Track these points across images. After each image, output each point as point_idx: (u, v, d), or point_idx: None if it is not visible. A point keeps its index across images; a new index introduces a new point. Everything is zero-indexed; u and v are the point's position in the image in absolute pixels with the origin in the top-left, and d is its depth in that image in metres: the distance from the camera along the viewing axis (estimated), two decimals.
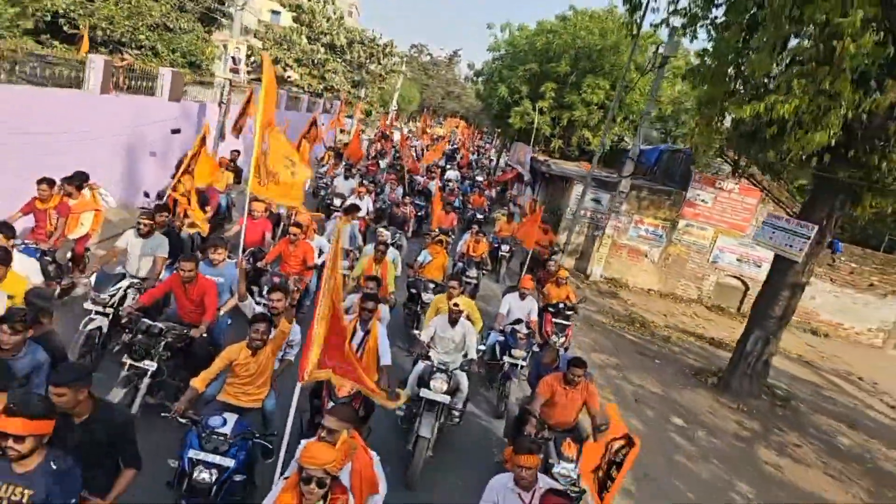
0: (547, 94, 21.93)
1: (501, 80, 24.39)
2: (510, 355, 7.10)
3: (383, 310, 6.69)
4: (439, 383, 5.56)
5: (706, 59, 9.67)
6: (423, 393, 5.54)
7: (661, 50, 14.58)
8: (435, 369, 5.70)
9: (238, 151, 12.12)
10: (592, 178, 15.95)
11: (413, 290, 8.69)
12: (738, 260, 15.90)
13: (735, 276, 16.16)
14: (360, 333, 5.39)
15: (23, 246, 5.94)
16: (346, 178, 13.76)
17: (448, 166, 24.86)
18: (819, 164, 8.89)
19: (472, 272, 10.37)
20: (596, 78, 20.94)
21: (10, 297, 4.68)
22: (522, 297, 8.00)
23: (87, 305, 5.83)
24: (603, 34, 21.53)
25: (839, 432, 9.48)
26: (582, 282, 15.29)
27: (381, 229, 9.50)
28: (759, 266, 15.44)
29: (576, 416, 5.42)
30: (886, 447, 9.32)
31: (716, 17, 9.86)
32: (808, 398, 10.78)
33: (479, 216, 15.41)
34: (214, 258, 5.94)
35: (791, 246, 9.35)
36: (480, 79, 31.60)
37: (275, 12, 37.15)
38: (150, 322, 5.17)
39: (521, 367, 7.12)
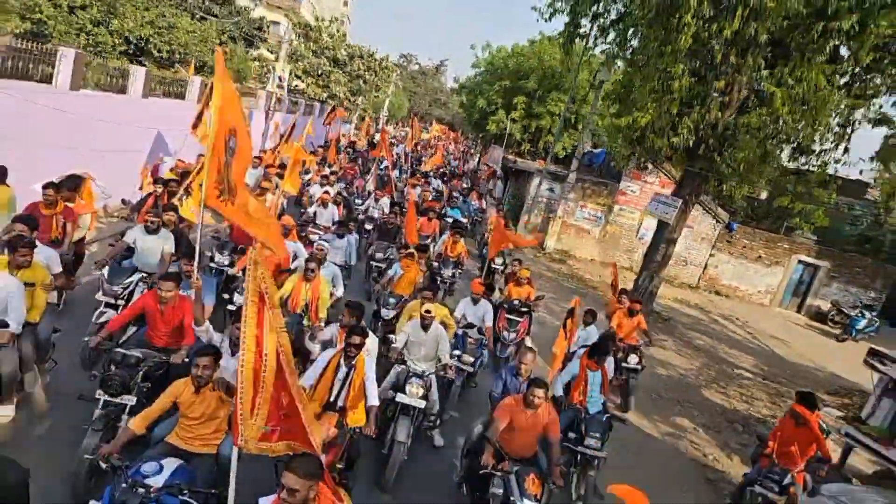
0: (518, 106, 26.70)
1: (481, 93, 29.17)
2: (459, 359, 6.97)
3: (371, 342, 5.74)
4: (415, 388, 5.51)
5: (619, 86, 14.35)
6: (399, 398, 5.49)
7: (598, 75, 19.26)
8: (410, 374, 5.65)
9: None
10: (548, 172, 20.63)
11: (375, 308, 8.07)
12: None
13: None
14: (343, 370, 4.82)
15: (55, 256, 5.76)
16: (322, 185, 13.03)
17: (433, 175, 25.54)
18: (684, 158, 13.58)
19: (448, 272, 10.55)
20: (559, 93, 25.70)
21: (29, 286, 4.82)
22: (475, 301, 7.88)
23: (99, 297, 5.92)
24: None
25: (697, 338, 14.16)
26: (539, 253, 19.86)
27: (320, 243, 7.78)
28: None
29: (536, 445, 4.99)
30: (728, 347, 13.99)
31: (628, 54, 14.46)
32: (685, 321, 15.46)
33: (462, 219, 15.61)
34: (189, 270, 5.45)
35: (667, 213, 13.99)
36: (464, 91, 36.41)
37: (275, 23, 41.50)
38: (126, 351, 4.61)
39: (470, 372, 7.12)
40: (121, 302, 5.95)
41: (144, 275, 6.23)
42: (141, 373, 4.49)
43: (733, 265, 20.84)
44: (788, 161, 13.05)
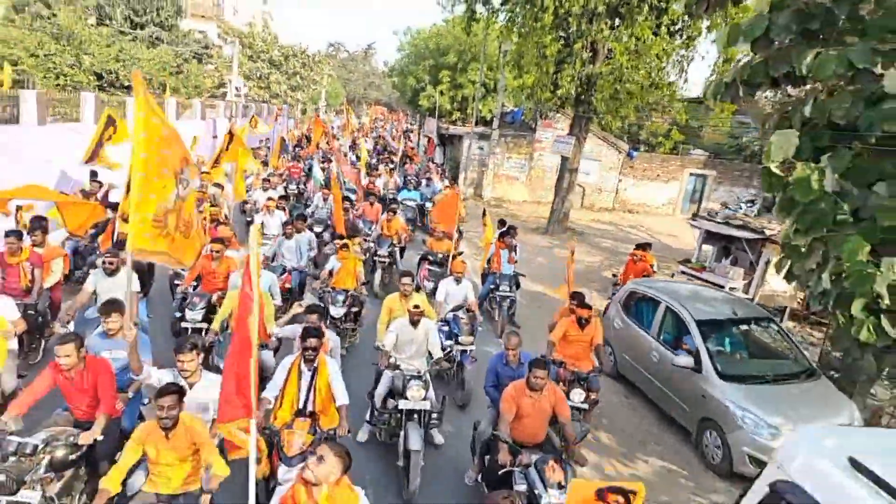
0: (444, 80, 30.24)
1: (409, 74, 32.56)
2: (458, 342, 6.92)
3: (332, 341, 5.80)
4: (416, 391, 5.34)
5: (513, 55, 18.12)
6: (403, 404, 5.30)
7: (503, 47, 22.97)
8: (409, 377, 5.45)
9: (96, 173, 10.08)
10: (475, 133, 24.43)
11: (322, 305, 7.35)
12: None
13: (578, 184, 24.99)
14: (306, 374, 4.72)
15: (11, 303, 5.54)
16: (265, 189, 12.64)
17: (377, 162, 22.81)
18: (571, 105, 17.54)
19: (384, 250, 10.50)
20: (477, 64, 29.31)
21: None
22: (458, 281, 7.85)
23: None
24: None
25: (603, 242, 18.33)
26: (478, 201, 23.71)
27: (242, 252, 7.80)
28: (588, 174, 24.36)
29: (546, 428, 4.91)
30: (627, 245, 18.23)
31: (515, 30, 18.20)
32: (596, 234, 19.63)
33: (390, 196, 15.66)
34: (109, 328, 4.77)
35: (565, 150, 17.97)
36: (394, 73, 39.68)
37: (200, 31, 43.54)
38: (20, 439, 3.87)
39: (471, 352, 6.98)
40: None
41: None
42: (45, 461, 3.83)
43: (637, 186, 25.22)
44: (646, 96, 17.13)
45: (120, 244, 6.53)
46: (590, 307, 6.63)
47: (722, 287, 10.29)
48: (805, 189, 6.18)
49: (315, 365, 4.74)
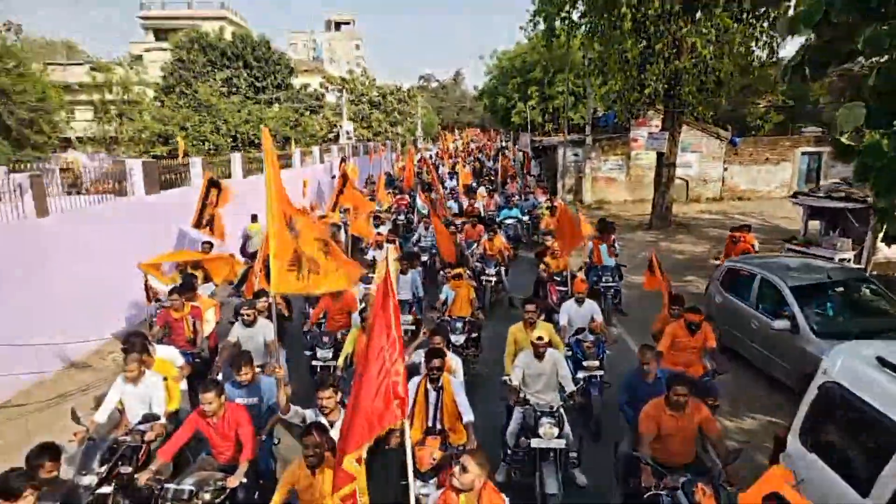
0: (532, 95, 31.32)
1: (499, 94, 33.99)
2: (584, 368, 6.56)
3: (454, 361, 5.85)
4: (548, 428, 5.02)
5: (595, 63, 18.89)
6: (535, 442, 5.00)
7: (588, 55, 23.69)
8: (539, 413, 5.16)
9: (210, 244, 10.14)
10: (569, 141, 25.18)
11: (445, 327, 7.47)
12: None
13: (680, 178, 24.84)
14: (432, 394, 4.89)
15: (175, 351, 6.27)
16: (376, 226, 12.89)
17: (476, 184, 23.13)
18: (661, 102, 17.92)
19: (491, 270, 10.59)
20: (563, 74, 30.14)
21: (164, 379, 5.52)
22: (580, 302, 7.41)
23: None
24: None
25: (712, 231, 18.30)
26: (579, 205, 24.34)
27: (367, 287, 8.06)
28: (690, 167, 24.17)
29: (694, 448, 4.61)
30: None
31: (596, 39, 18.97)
32: (704, 225, 19.57)
33: (489, 216, 15.94)
34: (241, 379, 5.21)
35: (659, 145, 18.30)
36: (484, 95, 41.40)
37: (306, 85, 48.11)
38: (177, 486, 4.27)
39: (600, 377, 6.62)
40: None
41: (258, 369, 5.86)
42: None
43: (746, 172, 24.54)
44: (736, 82, 17.09)
45: (257, 295, 7.27)
46: (700, 311, 6.30)
47: (831, 259, 10.39)
48: (877, 153, 6.66)
49: (440, 384, 4.91)
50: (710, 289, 9.23)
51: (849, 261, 10.59)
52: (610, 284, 10.27)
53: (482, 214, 15.54)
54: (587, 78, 24.09)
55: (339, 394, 4.61)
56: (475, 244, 12.26)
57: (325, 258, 5.48)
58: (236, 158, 15.53)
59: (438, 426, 4.87)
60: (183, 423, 4.73)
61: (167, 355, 6.04)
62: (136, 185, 11.04)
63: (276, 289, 5.06)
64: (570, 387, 5.46)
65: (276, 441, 5.45)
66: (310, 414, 4.68)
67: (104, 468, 4.57)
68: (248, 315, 6.52)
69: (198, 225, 11.25)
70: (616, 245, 11.23)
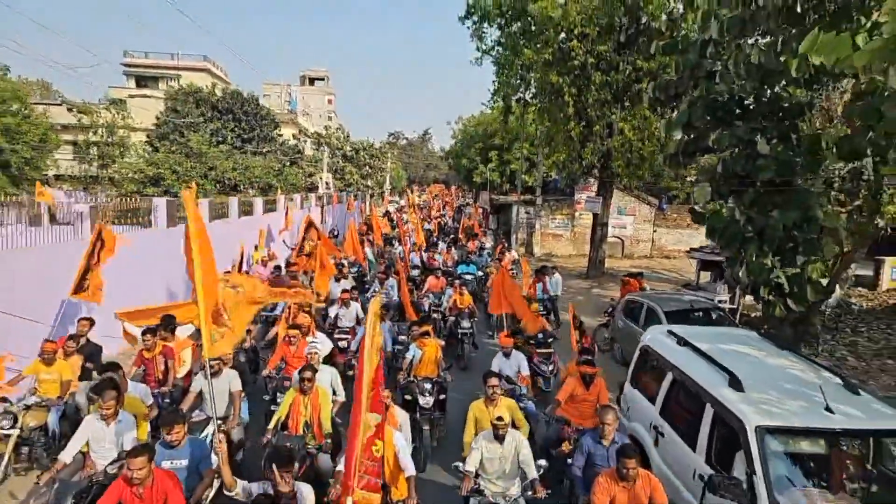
0: (492, 158, 34.96)
1: (463, 156, 37.62)
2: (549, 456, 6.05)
3: (399, 415, 5.72)
4: None
5: (544, 137, 22.37)
6: None
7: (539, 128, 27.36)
8: None
9: (89, 320, 8.25)
10: (522, 201, 28.56)
11: (408, 397, 7.29)
12: (612, 228, 28.22)
13: (615, 237, 28.37)
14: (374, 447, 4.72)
15: (146, 389, 6.35)
16: (338, 279, 12.42)
17: (440, 241, 23.19)
18: (597, 172, 21.39)
19: (465, 323, 10.50)
20: (519, 143, 33.92)
21: (135, 416, 5.50)
22: (507, 355, 7.61)
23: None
24: None
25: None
26: (529, 257, 27.41)
27: (312, 345, 7.42)
28: (625, 228, 27.75)
29: None
30: (655, 284, 21.31)
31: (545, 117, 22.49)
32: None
33: (447, 269, 16.20)
34: (172, 439, 4.73)
35: (595, 207, 21.65)
36: (450, 156, 45.17)
37: (279, 135, 51.10)
38: None
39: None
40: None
41: (220, 422, 5.73)
42: None
43: (670, 234, 28.28)
44: (655, 160, 20.73)
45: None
46: (594, 365, 6.57)
47: (711, 300, 13.45)
48: (718, 219, 9.78)
49: (383, 439, 4.75)
50: (616, 317, 12.09)
51: (725, 301, 13.67)
52: (541, 312, 13.04)
53: (441, 267, 16.11)
54: (539, 147, 27.74)
55: (292, 469, 4.27)
56: (441, 296, 12.57)
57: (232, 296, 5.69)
58: (233, 203, 17.84)
59: (380, 481, 4.72)
60: (106, 491, 4.20)
61: (137, 393, 6.07)
62: (160, 219, 13.35)
63: (211, 355, 5.03)
64: (531, 472, 4.98)
65: None
66: (255, 488, 4.43)
67: None
68: (212, 366, 5.99)
69: (77, 290, 9.22)
70: (547, 282, 14.05)
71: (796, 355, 6.00)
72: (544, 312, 13.01)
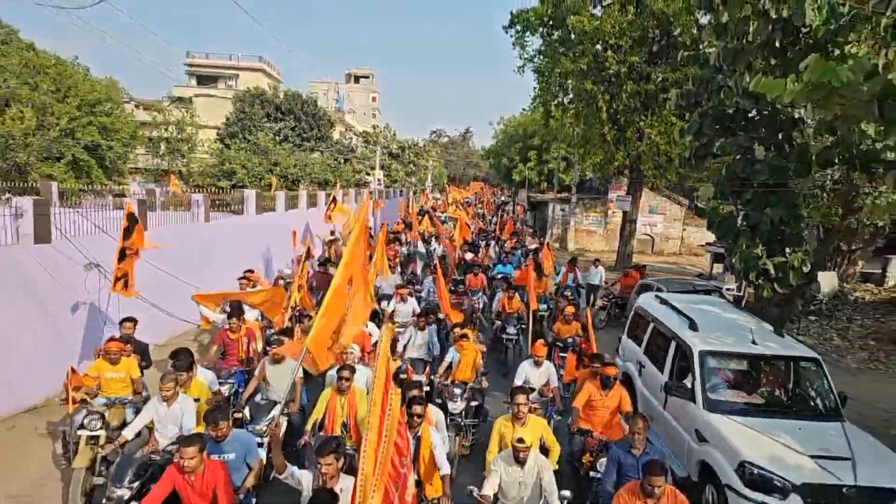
0: (531, 158, 36.91)
1: (502, 155, 39.69)
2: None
3: (435, 414, 5.59)
4: None
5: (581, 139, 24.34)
6: None
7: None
8: None
9: (132, 320, 7.60)
10: (558, 199, 30.50)
11: (438, 401, 6.94)
12: (644, 226, 29.88)
13: (646, 235, 30.00)
14: (411, 442, 4.53)
15: (213, 376, 6.58)
16: (403, 300, 11.74)
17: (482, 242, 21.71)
18: (628, 172, 23.23)
19: (511, 329, 10.11)
20: (557, 143, 35.79)
21: (196, 400, 5.68)
22: (538, 364, 7.19)
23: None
24: None
25: (660, 275, 23.27)
26: (563, 252, 29.33)
27: (351, 346, 6.72)
28: (656, 226, 29.37)
29: None
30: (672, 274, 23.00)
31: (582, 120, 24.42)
32: (655, 270, 24.54)
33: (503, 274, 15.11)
34: (217, 434, 4.81)
35: (625, 205, 23.48)
36: (490, 155, 47.31)
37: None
38: None
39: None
40: (266, 440, 5.82)
41: (282, 405, 5.72)
42: None
43: (701, 233, 29.69)
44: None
45: (284, 332, 7.35)
46: (614, 365, 6.36)
47: (720, 287, 15.25)
48: (716, 214, 11.68)
49: (419, 433, 4.75)
50: (632, 296, 14.10)
51: (732, 289, 15.44)
52: (570, 297, 15.00)
53: (480, 264, 15.67)
54: (575, 148, 29.63)
55: (342, 459, 4.26)
56: (477, 293, 12.37)
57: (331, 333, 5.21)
58: (279, 196, 18.55)
59: (414, 477, 4.51)
60: (160, 479, 4.44)
61: (204, 378, 6.28)
62: (250, 208, 16.03)
63: (310, 344, 4.90)
64: (553, 500, 4.68)
65: (253, 500, 5.15)
66: (306, 476, 4.45)
67: (136, 484, 4.92)
68: (276, 353, 6.49)
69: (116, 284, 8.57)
70: (580, 275, 16.04)
71: (748, 314, 8.04)
72: (573, 298, 13.49)
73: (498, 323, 11.01)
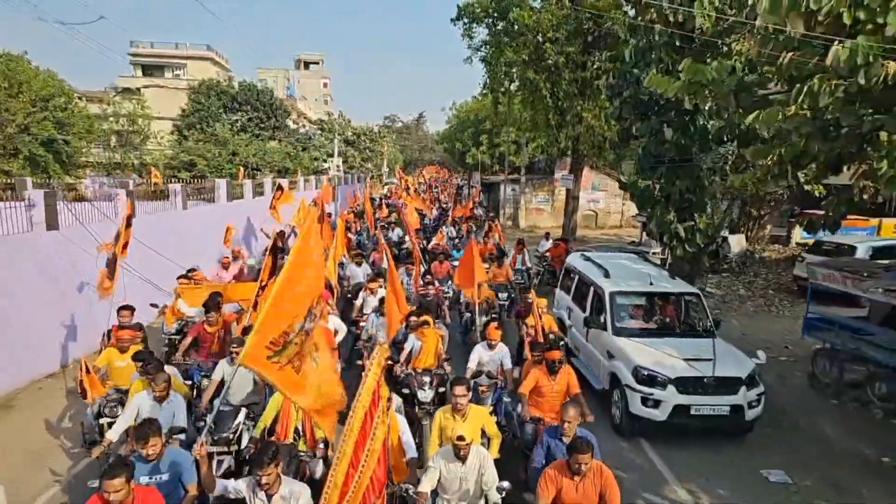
0: (483, 142, 38.74)
1: (456, 139, 41.38)
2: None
3: (396, 400, 5.63)
4: None
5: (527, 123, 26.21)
6: None
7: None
8: None
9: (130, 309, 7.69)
10: (509, 180, 32.48)
11: (406, 391, 6.79)
12: (587, 202, 32.19)
13: (590, 210, 32.33)
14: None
15: (175, 370, 6.38)
16: (358, 265, 12.27)
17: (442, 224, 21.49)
18: (570, 153, 25.31)
19: (482, 319, 9.17)
20: (507, 127, 37.70)
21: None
22: (491, 347, 7.14)
23: (210, 449, 5.42)
24: None
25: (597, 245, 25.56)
26: (515, 229, 31.34)
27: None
28: (598, 202, 31.71)
29: None
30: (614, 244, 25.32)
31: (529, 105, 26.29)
32: (595, 242, 26.82)
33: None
34: (148, 453, 4.44)
35: (568, 183, 25.57)
36: (444, 140, 48.89)
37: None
38: None
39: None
40: (234, 447, 5.69)
41: (247, 411, 5.78)
42: None
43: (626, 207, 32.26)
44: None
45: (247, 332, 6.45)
46: (558, 349, 6.24)
47: (647, 252, 17.41)
48: (635, 187, 13.69)
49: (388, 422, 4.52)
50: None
51: (657, 253, 17.65)
52: (520, 281, 16.22)
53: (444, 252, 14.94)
54: (524, 132, 31.57)
55: (280, 465, 4.18)
56: (446, 281, 12.07)
57: (313, 366, 4.51)
58: (247, 184, 20.42)
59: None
60: None
61: (174, 373, 6.24)
62: (221, 196, 17.21)
63: (244, 360, 4.18)
64: (493, 496, 4.70)
65: None
66: (243, 483, 4.34)
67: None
68: (236, 354, 5.78)
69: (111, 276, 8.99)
70: (527, 255, 17.59)
71: (651, 265, 10.04)
72: (522, 283, 14.22)
73: (467, 315, 10.48)
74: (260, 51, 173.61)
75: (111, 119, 39.92)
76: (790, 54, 6.47)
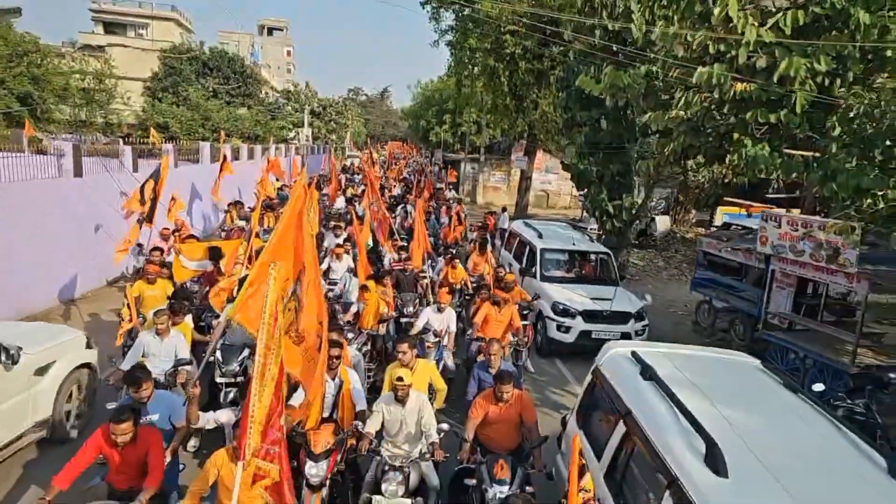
0: (446, 121, 40.68)
1: (420, 117, 43.18)
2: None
3: (352, 353, 6.10)
4: (393, 485, 4.68)
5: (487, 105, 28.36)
6: (376, 501, 4.64)
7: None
8: (388, 467, 4.77)
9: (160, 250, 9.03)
10: (469, 158, 34.66)
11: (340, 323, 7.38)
12: (540, 183, 34.72)
13: (543, 191, 34.89)
14: (330, 384, 5.09)
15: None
16: (337, 235, 12.34)
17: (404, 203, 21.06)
18: (527, 137, 27.60)
19: (455, 300, 9.97)
20: (470, 107, 39.71)
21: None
22: (440, 310, 7.83)
23: (219, 379, 6.19)
24: None
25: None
26: (472, 205, 33.61)
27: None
28: (550, 183, 34.30)
29: (518, 435, 5.22)
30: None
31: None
32: (544, 219, 29.42)
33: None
34: (141, 396, 4.77)
35: (522, 164, 27.92)
36: (408, 117, 50.56)
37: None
38: None
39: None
40: (240, 379, 6.19)
41: (249, 349, 6.17)
42: None
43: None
44: None
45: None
46: (508, 289, 8.48)
47: (585, 229, 19.91)
48: (576, 168, 16.07)
49: (338, 374, 5.24)
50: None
51: (595, 229, 20.18)
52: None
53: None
54: (484, 114, 33.68)
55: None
56: (428, 263, 11.87)
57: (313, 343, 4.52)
58: (205, 147, 20.48)
59: (335, 416, 5.11)
60: (83, 445, 4.23)
61: (189, 321, 6.80)
62: (205, 158, 18.82)
63: (231, 314, 4.23)
64: (431, 436, 4.97)
65: (181, 466, 5.07)
66: (223, 414, 4.78)
67: None
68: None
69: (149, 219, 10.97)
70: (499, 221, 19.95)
71: (581, 232, 12.48)
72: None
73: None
74: (221, 12, 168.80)
75: (77, 76, 39.88)
76: (676, 71, 8.85)
